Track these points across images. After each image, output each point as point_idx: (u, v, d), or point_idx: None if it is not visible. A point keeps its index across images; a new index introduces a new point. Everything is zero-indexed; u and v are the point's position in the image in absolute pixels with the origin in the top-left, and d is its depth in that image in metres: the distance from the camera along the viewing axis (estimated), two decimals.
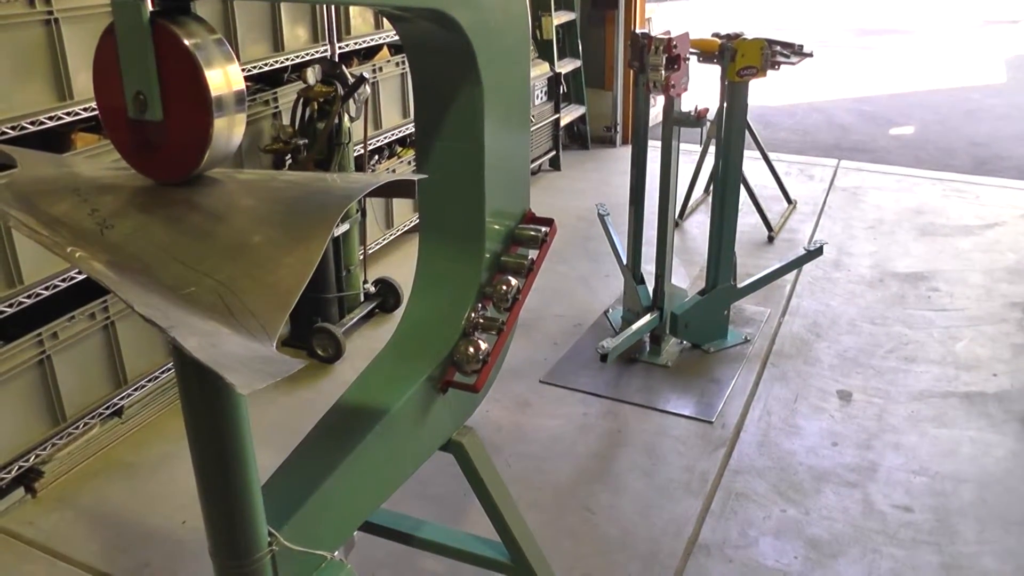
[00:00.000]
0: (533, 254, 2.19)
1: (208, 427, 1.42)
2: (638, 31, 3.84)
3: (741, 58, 3.84)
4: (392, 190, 1.49)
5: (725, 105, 4.00)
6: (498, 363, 2.22)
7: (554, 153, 7.18)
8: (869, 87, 11.15)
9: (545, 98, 6.91)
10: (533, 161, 6.89)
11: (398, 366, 2.07)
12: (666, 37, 3.59)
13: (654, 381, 4.06)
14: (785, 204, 6.31)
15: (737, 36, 4.19)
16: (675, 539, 3.06)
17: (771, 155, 6.26)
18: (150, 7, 1.22)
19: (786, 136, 8.84)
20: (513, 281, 2.09)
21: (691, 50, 4.00)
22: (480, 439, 2.21)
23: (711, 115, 4.28)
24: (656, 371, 4.14)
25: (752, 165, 6.30)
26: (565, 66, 7.23)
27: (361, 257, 4.57)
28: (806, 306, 4.82)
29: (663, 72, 3.57)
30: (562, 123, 7.22)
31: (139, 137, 1.29)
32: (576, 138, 7.86)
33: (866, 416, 3.80)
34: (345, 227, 4.34)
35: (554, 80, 6.97)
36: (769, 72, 3.96)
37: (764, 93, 9.77)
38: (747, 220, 5.85)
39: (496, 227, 2.13)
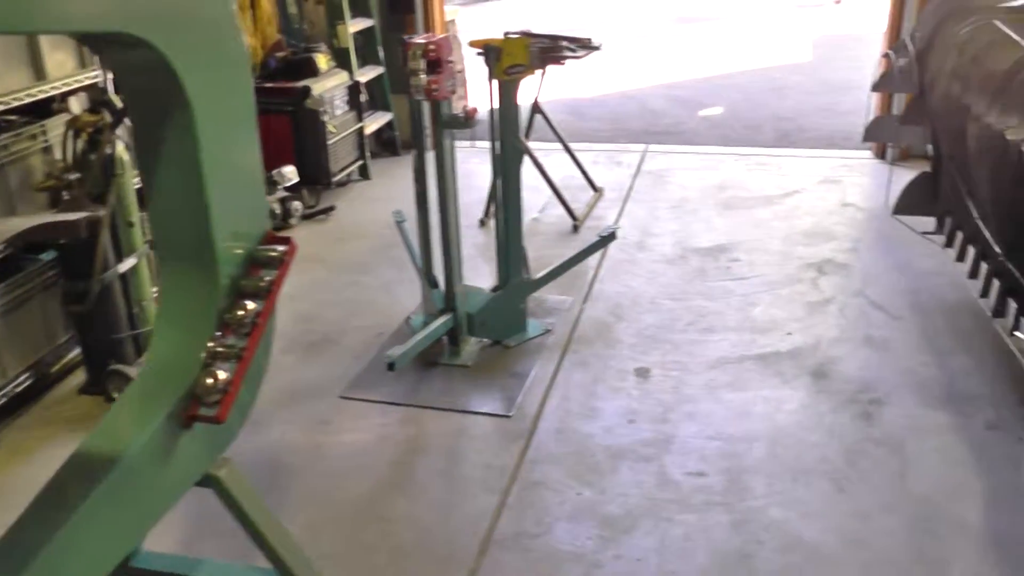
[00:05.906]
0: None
1: None
2: (408, 38, 3.82)
3: (507, 57, 3.89)
4: (58, 231, 1.43)
5: (497, 104, 4.04)
6: (251, 389, 2.19)
7: (362, 162, 7.10)
8: (682, 73, 11.45)
9: (347, 108, 6.83)
10: (341, 171, 6.77)
11: (140, 406, 2.01)
12: (424, 41, 3.61)
13: (454, 382, 4.06)
14: (592, 192, 6.45)
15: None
16: (471, 537, 3.07)
17: (579, 145, 6.38)
18: None
19: (596, 125, 9.00)
20: (251, 305, 2.05)
21: (478, 51, 4.03)
22: (238, 469, 2.15)
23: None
24: (456, 372, 4.14)
25: (557, 157, 6.42)
26: (366, 73, 7.17)
27: (155, 292, 4.39)
28: (608, 290, 4.93)
29: (423, 76, 3.58)
30: (368, 131, 7.14)
31: None
32: (387, 145, 7.79)
33: (663, 390, 3.92)
34: (132, 261, 4.16)
35: (355, 88, 6.90)
36: (563, 65, 3.99)
37: (576, 85, 10.01)
38: (554, 211, 5.97)
39: (234, 251, 2.08)
